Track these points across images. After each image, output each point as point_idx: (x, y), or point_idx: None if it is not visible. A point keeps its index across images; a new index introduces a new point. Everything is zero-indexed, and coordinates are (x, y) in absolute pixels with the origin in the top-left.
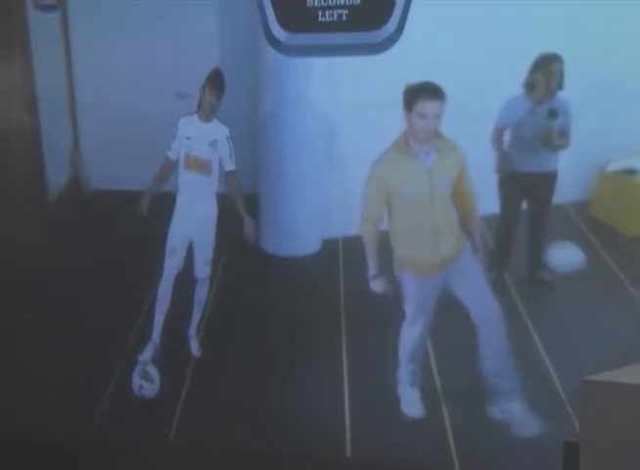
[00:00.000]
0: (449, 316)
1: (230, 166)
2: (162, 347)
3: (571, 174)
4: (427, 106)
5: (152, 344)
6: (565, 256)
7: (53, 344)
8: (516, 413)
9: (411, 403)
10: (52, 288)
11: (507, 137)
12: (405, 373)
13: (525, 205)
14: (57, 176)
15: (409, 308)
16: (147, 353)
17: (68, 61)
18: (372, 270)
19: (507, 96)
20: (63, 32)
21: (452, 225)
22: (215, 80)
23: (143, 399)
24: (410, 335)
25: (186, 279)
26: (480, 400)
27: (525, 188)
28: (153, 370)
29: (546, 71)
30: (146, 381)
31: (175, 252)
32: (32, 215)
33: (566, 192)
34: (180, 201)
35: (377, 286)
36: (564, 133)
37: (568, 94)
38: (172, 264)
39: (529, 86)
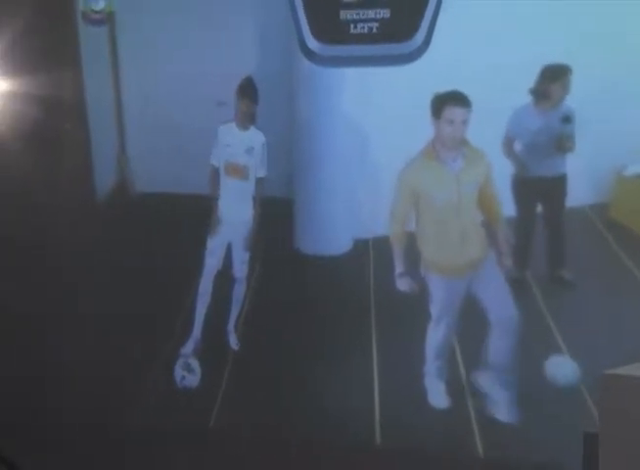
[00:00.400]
0: (476, 313)
1: (261, 173)
2: (203, 341)
3: (589, 178)
4: (454, 112)
5: (193, 338)
6: (561, 369)
7: (102, 338)
8: (501, 400)
9: (437, 395)
10: (100, 285)
11: (518, 144)
12: (432, 368)
13: (540, 208)
14: (105, 180)
15: (435, 309)
16: (189, 347)
17: (116, 71)
18: (398, 269)
19: (517, 104)
20: (110, 45)
21: (478, 229)
22: (246, 89)
23: (185, 389)
24: (436, 334)
25: (225, 278)
26: None
27: (539, 191)
28: (194, 362)
29: (563, 82)
30: (188, 372)
31: (215, 252)
32: (82, 217)
33: (584, 195)
34: (221, 203)
35: (402, 284)
36: (572, 137)
37: (574, 99)
38: (212, 264)
39: (541, 95)
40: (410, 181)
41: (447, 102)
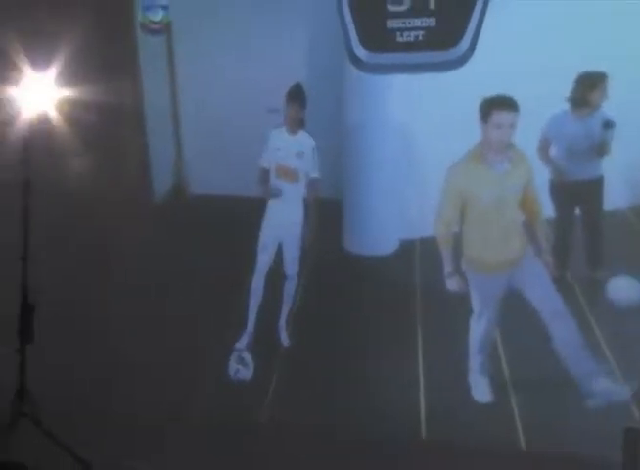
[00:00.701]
0: (517, 311)
1: (314, 174)
2: (256, 336)
3: (627, 180)
4: (502, 117)
5: (247, 333)
6: (624, 289)
7: (161, 333)
8: (606, 388)
9: (481, 390)
10: (158, 282)
11: (554, 148)
12: (475, 363)
13: (577, 210)
14: (162, 182)
15: (476, 304)
16: (243, 341)
17: (173, 79)
18: (447, 269)
19: (553, 109)
20: (168, 54)
21: (518, 229)
22: (295, 95)
23: (238, 382)
24: (477, 328)
25: (277, 276)
26: (545, 387)
27: (576, 194)
28: (247, 357)
29: (601, 89)
30: (242, 366)
31: (266, 249)
32: (140, 217)
33: (623, 197)
34: (271, 205)
35: (452, 284)
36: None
37: (609, 103)
38: (264, 261)
39: (579, 102)
40: (457, 183)
41: (496, 106)
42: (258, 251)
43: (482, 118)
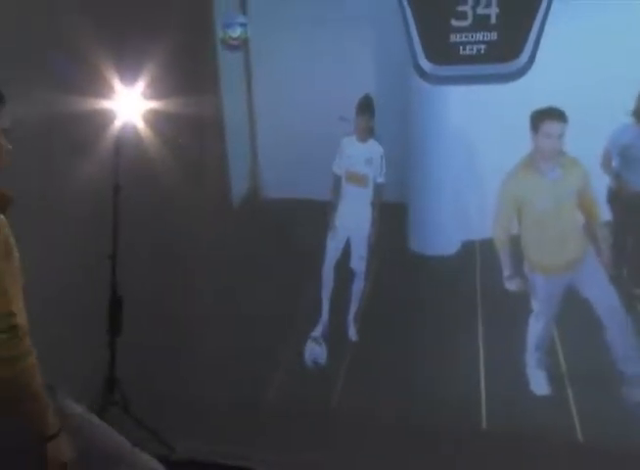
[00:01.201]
0: (575, 308)
1: (380, 180)
2: (330, 326)
3: None
4: (551, 127)
5: (322, 321)
6: None
7: (241, 324)
8: None
9: (538, 383)
10: (239, 278)
11: (617, 160)
12: (533, 358)
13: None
14: (239, 187)
15: (536, 304)
16: (318, 330)
17: (250, 91)
18: (506, 271)
19: (617, 122)
20: (245, 67)
21: (577, 231)
22: (365, 106)
23: (312, 369)
24: (536, 326)
25: (346, 273)
26: (601, 382)
27: (636, 205)
28: (322, 345)
29: None
30: (316, 354)
31: (334, 239)
32: (219, 219)
33: None
34: (342, 206)
35: (511, 285)
36: None
37: None
38: (331, 250)
39: None
40: (512, 190)
41: (545, 117)
42: (327, 240)
43: (533, 129)
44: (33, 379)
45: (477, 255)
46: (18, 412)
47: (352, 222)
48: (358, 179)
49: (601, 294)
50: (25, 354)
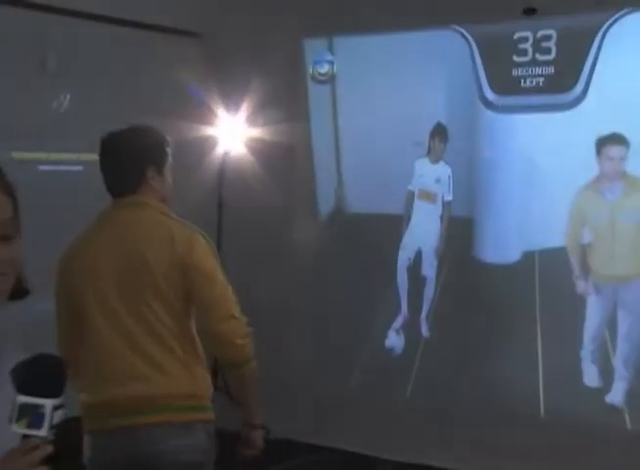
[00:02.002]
0: None
1: (448, 197)
2: (409, 320)
3: None
4: (612, 151)
5: (402, 314)
6: None
7: (334, 318)
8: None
9: (591, 376)
10: (328, 280)
11: None
12: (587, 353)
13: None
14: (326, 204)
15: (590, 306)
16: (398, 322)
17: (335, 120)
18: (575, 272)
19: None
20: (332, 99)
21: (632, 251)
22: (437, 132)
23: (389, 361)
24: (591, 325)
25: (418, 278)
26: None
27: None
28: (401, 335)
29: None
30: (396, 343)
31: (405, 249)
32: (308, 232)
33: None
34: (413, 220)
35: (579, 286)
36: None
37: None
38: (403, 258)
39: None
40: (577, 206)
41: (606, 142)
42: (399, 249)
43: (597, 153)
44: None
45: (535, 263)
46: (247, 397)
47: (423, 234)
48: (429, 196)
49: (629, 314)
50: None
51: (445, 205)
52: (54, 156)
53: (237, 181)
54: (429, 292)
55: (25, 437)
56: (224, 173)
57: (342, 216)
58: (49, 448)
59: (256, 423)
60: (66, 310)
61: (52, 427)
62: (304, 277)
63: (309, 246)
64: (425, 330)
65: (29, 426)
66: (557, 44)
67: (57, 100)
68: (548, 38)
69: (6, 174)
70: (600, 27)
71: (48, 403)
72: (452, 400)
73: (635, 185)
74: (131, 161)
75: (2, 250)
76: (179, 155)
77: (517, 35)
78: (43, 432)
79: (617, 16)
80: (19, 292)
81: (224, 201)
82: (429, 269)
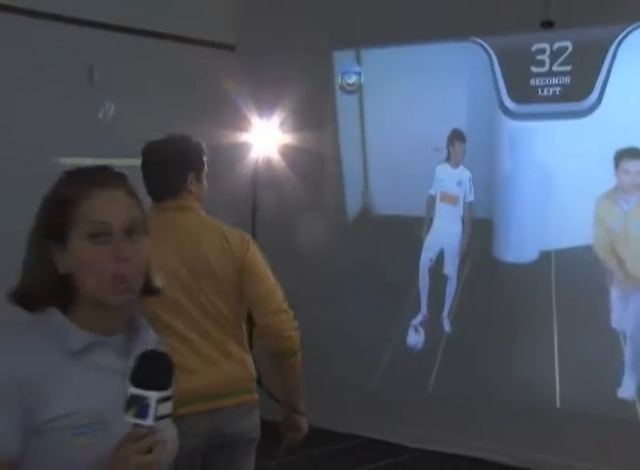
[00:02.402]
0: None
1: (470, 198)
2: (427, 320)
3: None
4: (629, 164)
5: (421, 313)
6: None
7: (359, 312)
8: None
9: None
10: (355, 278)
11: None
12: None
13: None
14: (353, 206)
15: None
16: (418, 319)
17: (362, 127)
18: (616, 276)
19: None
20: (359, 108)
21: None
22: (457, 136)
23: (413, 352)
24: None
25: (440, 277)
26: None
27: None
28: (421, 330)
29: None
30: (416, 338)
31: (428, 250)
32: (338, 232)
33: None
34: (436, 222)
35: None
36: None
37: None
38: (425, 258)
39: None
40: (598, 213)
41: (624, 156)
42: (422, 250)
43: (615, 166)
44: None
45: (552, 262)
46: (295, 385)
47: (445, 235)
48: (450, 199)
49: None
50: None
51: (467, 206)
52: (99, 161)
53: (270, 185)
54: (450, 290)
55: (136, 426)
56: (257, 177)
57: (368, 218)
58: (156, 437)
59: (302, 410)
60: None
61: (157, 418)
62: (333, 276)
63: (338, 244)
64: (447, 326)
65: (137, 416)
66: (573, 55)
67: (102, 109)
68: (564, 50)
69: (129, 179)
70: (614, 40)
71: (153, 396)
72: (472, 393)
73: None
74: (176, 167)
75: (129, 247)
76: (216, 159)
77: (534, 47)
78: (149, 422)
79: (629, 28)
80: (150, 289)
81: (258, 204)
82: (451, 269)
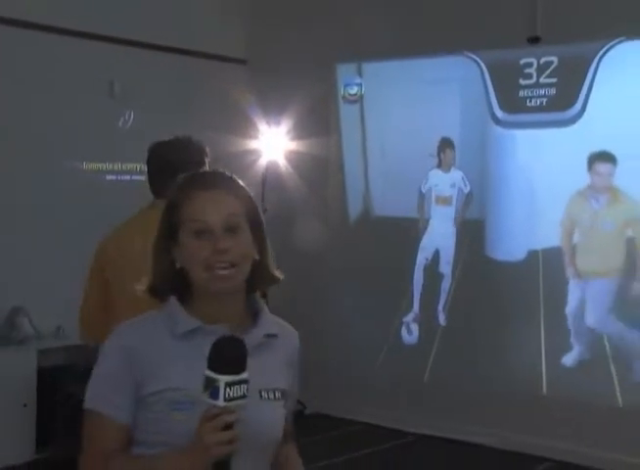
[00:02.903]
0: None
1: (466, 189)
2: (421, 315)
3: None
4: (601, 167)
5: (413, 311)
6: None
7: (355, 309)
8: None
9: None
10: (355, 276)
11: None
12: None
13: None
14: (354, 208)
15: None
16: (410, 316)
17: (363, 135)
18: (568, 270)
19: None
20: (360, 117)
21: (611, 252)
22: (447, 144)
23: (409, 345)
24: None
25: (435, 274)
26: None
27: None
28: (414, 327)
29: None
30: (409, 333)
31: (424, 250)
32: (340, 233)
33: None
34: (432, 224)
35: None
36: None
37: None
38: (421, 258)
39: None
40: (568, 211)
41: (597, 159)
42: (418, 251)
43: (589, 168)
44: None
45: (539, 260)
46: None
47: (441, 236)
48: (445, 200)
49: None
50: None
51: (465, 199)
52: (118, 166)
53: (277, 189)
54: (445, 286)
55: (211, 406)
56: (266, 181)
57: (369, 219)
58: (229, 417)
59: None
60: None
61: (228, 399)
62: (335, 273)
63: (339, 244)
64: (442, 320)
65: (210, 396)
66: (558, 69)
67: (122, 118)
68: (550, 64)
69: (235, 180)
70: (596, 54)
71: (222, 379)
72: (465, 381)
73: (618, 198)
74: (177, 167)
75: (228, 241)
76: (228, 165)
77: (523, 61)
78: (220, 402)
79: (610, 44)
80: (266, 279)
81: (267, 207)
82: (445, 267)
